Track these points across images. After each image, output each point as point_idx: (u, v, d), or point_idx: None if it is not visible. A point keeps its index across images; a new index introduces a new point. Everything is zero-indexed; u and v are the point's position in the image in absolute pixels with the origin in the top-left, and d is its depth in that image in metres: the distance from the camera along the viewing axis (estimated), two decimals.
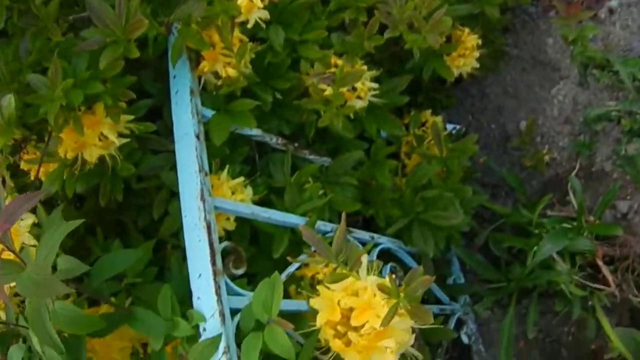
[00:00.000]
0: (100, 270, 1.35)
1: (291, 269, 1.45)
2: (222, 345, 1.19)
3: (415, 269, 1.07)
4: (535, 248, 2.00)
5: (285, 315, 1.33)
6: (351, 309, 1.10)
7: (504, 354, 2.03)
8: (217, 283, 1.24)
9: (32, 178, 1.48)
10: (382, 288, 1.05)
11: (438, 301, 2.06)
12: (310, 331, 1.17)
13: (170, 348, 1.35)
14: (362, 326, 1.08)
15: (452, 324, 2.09)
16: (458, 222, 1.80)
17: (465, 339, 2.19)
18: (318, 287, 1.14)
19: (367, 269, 1.14)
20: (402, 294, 1.04)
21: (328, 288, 1.13)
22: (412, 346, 1.70)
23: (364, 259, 1.15)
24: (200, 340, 1.23)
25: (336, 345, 1.12)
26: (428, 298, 2.04)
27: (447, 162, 1.99)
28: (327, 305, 1.12)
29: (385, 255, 1.80)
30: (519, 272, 2.06)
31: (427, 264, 1.88)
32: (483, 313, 2.16)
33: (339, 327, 1.11)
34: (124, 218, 1.81)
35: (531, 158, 2.41)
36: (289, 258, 1.18)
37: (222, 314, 1.22)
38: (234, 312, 1.27)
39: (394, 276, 1.12)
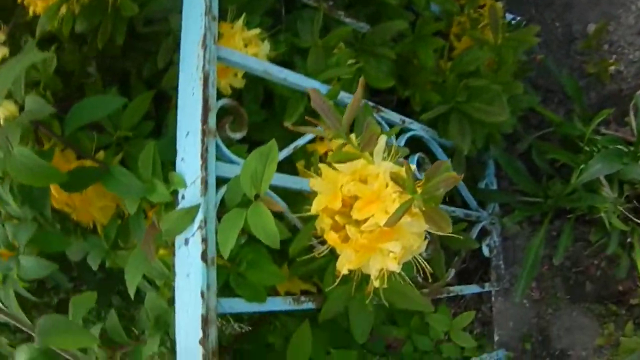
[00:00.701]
0: (76, 116, 1.15)
1: (301, 141, 1.23)
2: (198, 218, 1.00)
3: (443, 161, 0.85)
4: (583, 166, 1.74)
5: (286, 193, 1.14)
6: (355, 198, 0.89)
7: (526, 275, 1.83)
8: (206, 144, 1.04)
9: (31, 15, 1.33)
10: (395, 178, 0.83)
11: (465, 205, 1.85)
12: (308, 216, 0.96)
13: (153, 214, 1.17)
14: (365, 221, 0.87)
15: (475, 232, 1.88)
16: (502, 120, 1.55)
17: (486, 251, 1.99)
18: (321, 165, 0.93)
19: (385, 154, 0.92)
20: (419, 190, 0.83)
21: (333, 168, 0.92)
22: (428, 250, 1.52)
23: (382, 139, 0.93)
24: (177, 208, 1.04)
25: (331, 238, 0.92)
26: (454, 199, 1.82)
27: (501, 51, 1.72)
28: (329, 188, 0.92)
29: (415, 146, 1.57)
30: (559, 189, 1.82)
31: (459, 160, 1.66)
32: (511, 227, 1.95)
33: (337, 218, 0.91)
34: (127, 65, 1.61)
35: (595, 65, 2.11)
36: (299, 128, 0.96)
37: (204, 182, 1.02)
38: (222, 181, 1.07)
39: (415, 167, 0.90)
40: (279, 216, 1.19)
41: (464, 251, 1.85)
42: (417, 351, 1.83)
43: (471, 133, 1.59)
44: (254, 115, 1.39)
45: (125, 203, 1.16)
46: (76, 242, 1.41)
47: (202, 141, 1.03)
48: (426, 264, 0.95)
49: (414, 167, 0.89)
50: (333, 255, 0.97)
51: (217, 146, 1.07)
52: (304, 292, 1.28)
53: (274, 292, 1.49)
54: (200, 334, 0.96)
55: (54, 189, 1.29)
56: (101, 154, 1.28)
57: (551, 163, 1.94)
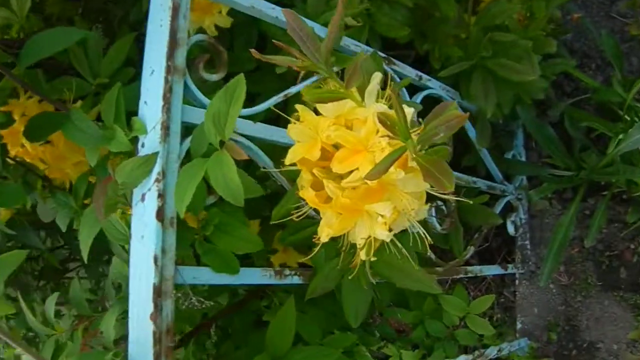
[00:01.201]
0: (32, 49, 0.99)
1: (294, 88, 1.06)
2: (156, 169, 0.84)
3: (449, 102, 0.67)
4: (622, 136, 1.54)
5: (275, 150, 0.97)
6: (338, 148, 0.71)
7: (553, 257, 1.64)
8: (170, 84, 0.87)
9: None
10: (383, 120, 0.65)
11: (489, 177, 1.65)
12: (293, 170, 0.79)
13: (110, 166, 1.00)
14: (348, 175, 0.69)
15: (499, 207, 1.69)
16: (531, 79, 1.36)
17: (511, 229, 1.80)
18: (299, 107, 0.75)
19: (384, 101, 0.74)
20: (415, 136, 0.65)
21: (315, 113, 0.75)
22: (444, 225, 1.34)
23: (376, 77, 0.75)
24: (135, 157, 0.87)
25: (309, 197, 0.74)
26: (477, 170, 1.63)
27: (532, 3, 1.52)
28: (307, 135, 0.74)
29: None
30: (594, 161, 1.62)
31: (483, 126, 1.47)
32: (539, 202, 1.76)
33: (316, 171, 0.73)
34: (114, 10, 1.47)
35: (638, 27, 1.88)
36: (269, 57, 0.78)
37: (165, 127, 0.85)
38: (191, 128, 0.90)
39: (414, 113, 0.73)
40: (265, 176, 1.02)
41: (485, 228, 1.65)
42: (430, 337, 1.66)
43: (496, 94, 1.40)
44: (246, 63, 1.22)
45: (86, 154, 1.00)
46: (45, 199, 1.28)
47: (166, 79, 0.86)
48: (426, 235, 0.77)
49: (410, 110, 0.71)
50: None
51: (186, 87, 0.90)
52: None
53: (267, 264, 1.34)
54: (151, 307, 0.80)
55: (26, 143, 1.15)
56: (78, 104, 1.14)
57: (586, 133, 1.74)
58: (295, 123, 0.79)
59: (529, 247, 1.86)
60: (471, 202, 1.30)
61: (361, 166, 0.70)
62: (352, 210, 0.73)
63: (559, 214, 1.85)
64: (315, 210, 0.81)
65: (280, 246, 1.27)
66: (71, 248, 1.79)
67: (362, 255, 0.75)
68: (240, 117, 0.86)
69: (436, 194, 0.74)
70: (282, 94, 1.04)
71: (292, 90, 1.05)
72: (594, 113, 1.77)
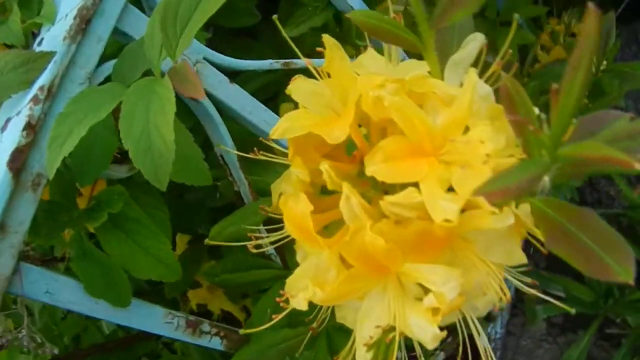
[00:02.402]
0: None
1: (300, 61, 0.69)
2: (40, 81, 0.45)
3: None
4: None
5: (246, 140, 0.61)
6: (383, 130, 0.35)
7: None
8: None
9: None
10: (512, 95, 0.29)
11: None
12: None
13: None
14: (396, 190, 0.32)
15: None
16: None
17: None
18: (326, 40, 0.38)
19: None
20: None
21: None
22: None
23: (478, 37, 0.39)
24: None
25: (294, 215, 0.38)
26: None
27: (601, 80, 1.21)
28: (323, 102, 0.38)
29: None
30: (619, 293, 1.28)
31: None
32: (537, 321, 1.40)
33: (327, 167, 0.36)
34: None
35: None
36: None
37: (84, 20, 0.47)
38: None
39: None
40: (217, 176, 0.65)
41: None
42: None
43: None
44: (245, 16, 0.86)
45: None
46: None
47: None
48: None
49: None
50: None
51: None
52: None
53: (179, 298, 0.96)
54: None
55: None
56: None
57: None
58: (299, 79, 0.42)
59: None
60: None
61: (425, 181, 0.33)
62: (374, 265, 0.35)
63: (542, 339, 1.51)
64: (283, 247, 0.44)
65: (206, 281, 0.88)
66: None
67: (363, 357, 0.37)
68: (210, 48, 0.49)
69: None
70: (284, 61, 0.67)
71: (299, 61, 0.68)
72: (623, 232, 1.43)
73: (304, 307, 0.38)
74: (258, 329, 0.51)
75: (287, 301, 0.41)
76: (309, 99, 0.41)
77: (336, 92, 0.40)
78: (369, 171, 0.34)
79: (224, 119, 0.62)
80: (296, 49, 0.46)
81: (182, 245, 0.93)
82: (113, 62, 0.50)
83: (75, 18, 0.48)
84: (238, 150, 0.62)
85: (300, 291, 0.39)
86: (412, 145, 0.35)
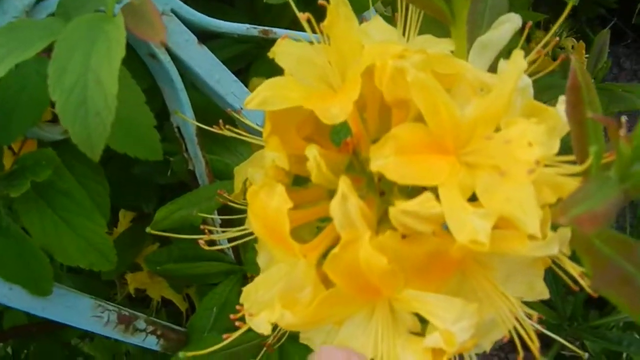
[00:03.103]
0: None
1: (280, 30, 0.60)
2: None
3: None
4: None
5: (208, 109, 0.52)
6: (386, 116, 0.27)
7: None
8: None
9: None
10: (578, 86, 0.21)
11: None
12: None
13: None
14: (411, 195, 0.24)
15: None
16: None
17: None
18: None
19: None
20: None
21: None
22: None
23: (512, 21, 0.31)
24: None
25: (264, 210, 0.29)
26: None
27: None
28: (317, 72, 0.29)
29: None
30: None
31: None
32: None
33: (314, 153, 0.27)
34: None
35: None
36: None
37: None
38: None
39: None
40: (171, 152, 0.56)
41: None
42: None
43: None
44: None
45: None
46: None
47: None
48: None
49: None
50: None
51: None
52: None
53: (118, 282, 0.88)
54: None
55: None
56: None
57: None
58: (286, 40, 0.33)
59: None
60: None
61: (445, 186, 0.25)
62: (363, 286, 0.27)
63: (493, 354, 1.46)
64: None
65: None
66: None
67: None
68: None
69: None
70: (263, 28, 0.58)
71: (280, 31, 0.59)
72: None
73: (265, 330, 0.30)
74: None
75: (243, 318, 0.32)
76: (298, 66, 0.33)
77: (335, 61, 0.31)
78: (376, 165, 0.26)
79: (186, 86, 0.53)
80: None
81: (125, 223, 0.84)
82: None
83: None
84: (198, 122, 0.53)
85: (263, 309, 0.30)
86: (432, 139, 0.27)
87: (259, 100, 0.30)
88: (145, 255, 0.65)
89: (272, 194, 0.29)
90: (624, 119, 0.23)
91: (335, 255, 0.26)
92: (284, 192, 0.29)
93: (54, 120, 0.45)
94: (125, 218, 0.83)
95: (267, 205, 0.30)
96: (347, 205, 0.26)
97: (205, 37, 0.54)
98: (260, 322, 0.30)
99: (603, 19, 1.35)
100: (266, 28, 0.57)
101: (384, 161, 0.26)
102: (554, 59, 1.16)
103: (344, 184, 0.26)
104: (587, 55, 1.05)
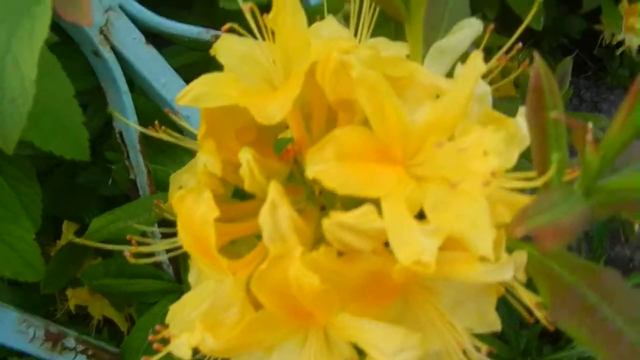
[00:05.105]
0: None
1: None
2: None
3: None
4: None
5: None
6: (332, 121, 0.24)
7: None
8: None
9: None
10: (540, 87, 0.18)
11: None
12: None
13: None
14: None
15: None
16: None
17: None
18: None
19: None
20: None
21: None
22: None
23: (473, 26, 0.29)
24: None
25: (190, 219, 0.25)
26: None
27: None
28: (259, 70, 0.26)
29: None
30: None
31: None
32: None
33: (247, 157, 0.24)
34: None
35: None
36: None
37: None
38: None
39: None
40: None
41: None
42: None
43: None
44: None
45: None
46: None
47: None
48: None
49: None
50: None
51: None
52: None
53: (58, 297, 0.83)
54: None
55: None
56: None
57: None
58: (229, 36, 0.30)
59: None
60: None
61: (389, 199, 0.22)
62: (294, 309, 0.24)
63: None
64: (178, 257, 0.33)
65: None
66: None
67: None
68: None
69: None
70: (216, 32, 0.55)
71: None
72: None
73: (185, 355, 0.26)
74: None
75: (165, 341, 0.28)
76: (240, 64, 0.30)
77: (280, 59, 0.29)
78: (312, 171, 0.23)
79: (131, 89, 0.49)
80: None
81: (69, 235, 0.80)
82: None
83: None
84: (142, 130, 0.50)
85: (185, 330, 0.27)
86: (377, 145, 0.24)
87: (192, 95, 0.27)
88: (83, 269, 0.61)
89: (199, 201, 0.26)
90: (590, 124, 0.20)
91: (262, 271, 0.23)
92: (211, 199, 0.26)
93: None
94: (68, 230, 0.79)
95: (194, 213, 0.26)
96: (276, 214, 0.22)
97: (155, 44, 0.51)
98: (181, 345, 0.27)
99: (565, 49, 1.35)
100: (219, 33, 0.54)
101: (323, 166, 0.23)
102: (516, 85, 1.15)
103: (274, 191, 0.22)
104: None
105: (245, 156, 0.25)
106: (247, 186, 0.26)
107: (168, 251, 0.36)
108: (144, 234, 0.48)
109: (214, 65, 0.30)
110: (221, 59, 0.30)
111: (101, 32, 0.46)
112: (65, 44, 0.49)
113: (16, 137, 0.28)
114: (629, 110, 0.19)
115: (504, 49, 0.32)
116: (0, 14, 0.29)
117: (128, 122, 0.47)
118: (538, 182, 0.22)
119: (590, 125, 0.20)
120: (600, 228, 1.18)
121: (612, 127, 0.20)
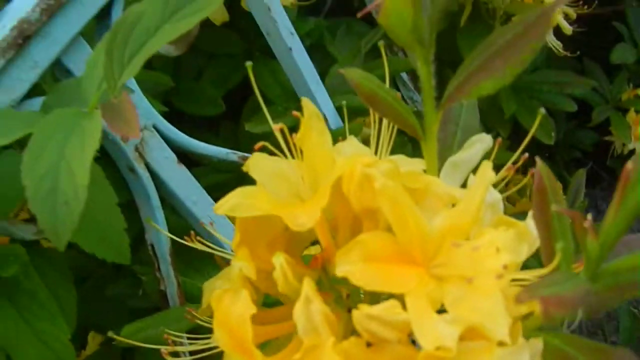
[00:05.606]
0: None
1: None
2: None
3: None
4: None
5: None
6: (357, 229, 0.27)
7: None
8: None
9: None
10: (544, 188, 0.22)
11: None
12: None
13: None
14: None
15: None
16: None
17: None
18: (306, 105, 0.30)
19: None
20: None
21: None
22: None
23: (482, 142, 0.32)
24: None
25: (228, 319, 0.28)
26: None
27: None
28: (287, 186, 0.30)
29: None
30: None
31: None
32: None
33: (282, 263, 0.27)
34: None
35: None
36: None
37: (23, 35, 0.39)
38: None
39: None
40: None
41: None
42: None
43: None
44: (210, 105, 0.80)
45: None
46: None
47: None
48: None
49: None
50: None
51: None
52: None
53: None
54: None
55: None
56: None
57: None
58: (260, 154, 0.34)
59: None
60: None
61: (412, 295, 0.25)
62: None
63: None
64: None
65: None
66: None
67: None
68: None
69: None
70: (242, 154, 0.59)
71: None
72: None
73: None
74: None
75: None
76: (270, 180, 0.33)
77: (307, 175, 0.32)
78: (341, 270, 0.25)
79: (163, 206, 0.53)
80: None
81: (94, 346, 0.81)
82: (44, 98, 0.42)
83: (12, 29, 0.39)
84: (172, 244, 0.53)
85: None
86: (399, 249, 0.27)
87: (228, 206, 0.30)
88: None
89: (236, 299, 0.29)
90: (590, 215, 0.23)
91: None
92: (248, 297, 0.28)
93: (30, 220, 0.45)
94: (94, 340, 0.80)
95: (231, 311, 0.29)
96: (310, 308, 0.25)
97: (185, 164, 0.55)
98: None
99: (579, 162, 1.38)
100: (246, 154, 0.58)
101: (351, 267, 0.25)
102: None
103: (307, 287, 0.25)
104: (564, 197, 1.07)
105: (279, 260, 0.28)
106: (281, 288, 0.29)
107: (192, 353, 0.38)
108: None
109: (239, 187, 0.33)
110: (253, 174, 0.33)
111: (136, 149, 0.50)
112: (101, 159, 0.53)
113: (68, 237, 0.31)
114: (621, 194, 0.22)
115: (513, 158, 0.35)
116: (55, 124, 0.33)
117: (160, 229, 0.50)
118: (546, 270, 0.24)
119: (589, 216, 0.23)
120: None
121: (608, 214, 0.22)
